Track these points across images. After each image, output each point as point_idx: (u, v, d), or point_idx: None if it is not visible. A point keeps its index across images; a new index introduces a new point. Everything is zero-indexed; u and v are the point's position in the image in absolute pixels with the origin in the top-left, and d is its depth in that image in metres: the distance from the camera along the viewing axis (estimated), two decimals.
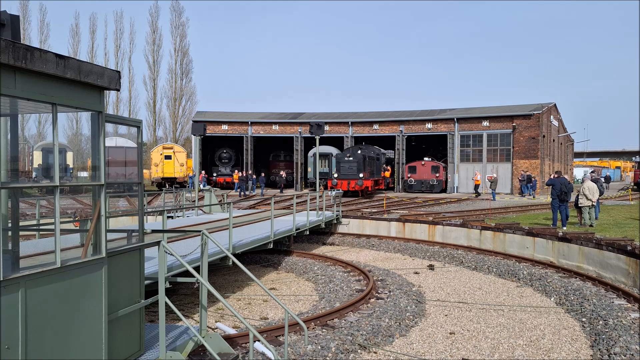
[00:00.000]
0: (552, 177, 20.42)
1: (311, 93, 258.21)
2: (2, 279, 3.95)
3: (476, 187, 41.88)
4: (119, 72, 5.22)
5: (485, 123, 45.96)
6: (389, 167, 49.33)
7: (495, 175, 41.65)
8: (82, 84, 4.75)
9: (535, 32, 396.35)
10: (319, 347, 8.27)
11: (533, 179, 42.11)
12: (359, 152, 41.09)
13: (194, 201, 24.52)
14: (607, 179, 54.65)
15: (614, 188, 60.23)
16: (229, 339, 7.91)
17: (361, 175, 38.77)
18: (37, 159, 42.63)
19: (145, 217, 8.42)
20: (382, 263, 16.71)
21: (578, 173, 75.86)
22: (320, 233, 21.77)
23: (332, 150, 48.35)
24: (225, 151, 52.79)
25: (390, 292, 12.32)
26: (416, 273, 15.19)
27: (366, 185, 39.49)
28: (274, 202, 17.04)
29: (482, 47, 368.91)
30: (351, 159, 39.40)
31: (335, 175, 39.32)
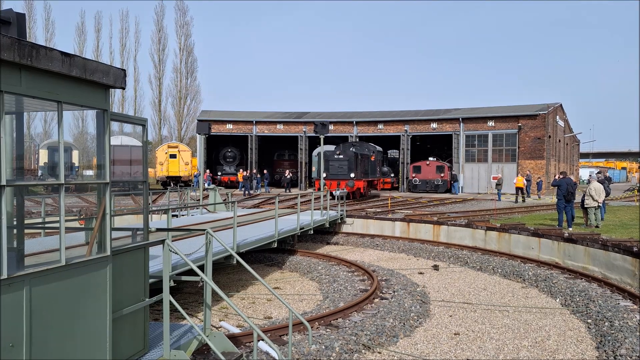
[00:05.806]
0: (557, 177, 20.36)
1: (316, 92, 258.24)
2: (6, 277, 3.95)
3: (518, 190, 35.07)
4: (124, 70, 5.21)
5: (491, 123, 45.83)
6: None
7: (500, 175, 41.49)
8: (87, 82, 4.75)
9: (541, 32, 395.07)
10: (323, 347, 8.26)
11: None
12: (351, 149, 36.83)
13: (199, 200, 24.53)
14: (609, 180, 53.88)
15: (618, 189, 59.93)
16: (233, 338, 7.91)
17: (352, 175, 34.70)
18: (43, 157, 42.76)
19: (150, 215, 8.41)
20: (386, 263, 16.68)
21: (584, 174, 75.61)
22: (325, 232, 21.75)
23: None
24: (229, 150, 52.87)
25: (394, 292, 12.30)
26: (421, 273, 15.16)
27: (358, 187, 35.47)
28: (278, 202, 17.03)
29: (488, 47, 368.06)
30: (341, 157, 35.02)
31: (324, 174, 33.64)
